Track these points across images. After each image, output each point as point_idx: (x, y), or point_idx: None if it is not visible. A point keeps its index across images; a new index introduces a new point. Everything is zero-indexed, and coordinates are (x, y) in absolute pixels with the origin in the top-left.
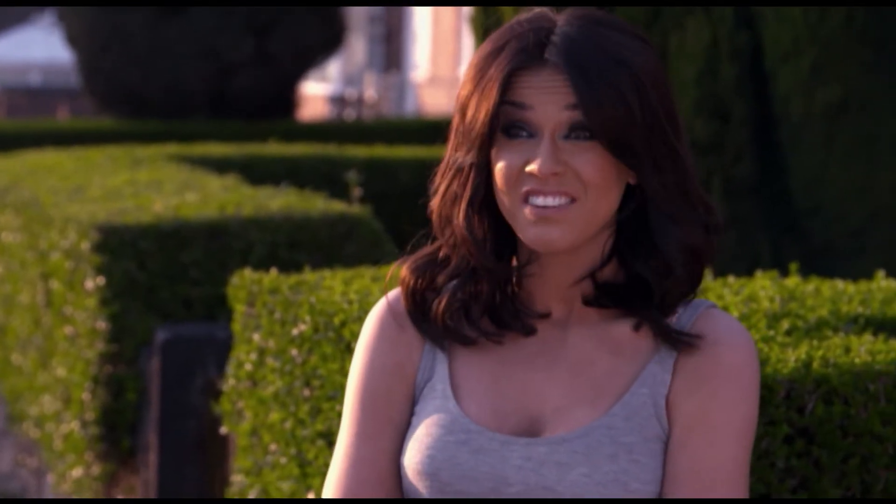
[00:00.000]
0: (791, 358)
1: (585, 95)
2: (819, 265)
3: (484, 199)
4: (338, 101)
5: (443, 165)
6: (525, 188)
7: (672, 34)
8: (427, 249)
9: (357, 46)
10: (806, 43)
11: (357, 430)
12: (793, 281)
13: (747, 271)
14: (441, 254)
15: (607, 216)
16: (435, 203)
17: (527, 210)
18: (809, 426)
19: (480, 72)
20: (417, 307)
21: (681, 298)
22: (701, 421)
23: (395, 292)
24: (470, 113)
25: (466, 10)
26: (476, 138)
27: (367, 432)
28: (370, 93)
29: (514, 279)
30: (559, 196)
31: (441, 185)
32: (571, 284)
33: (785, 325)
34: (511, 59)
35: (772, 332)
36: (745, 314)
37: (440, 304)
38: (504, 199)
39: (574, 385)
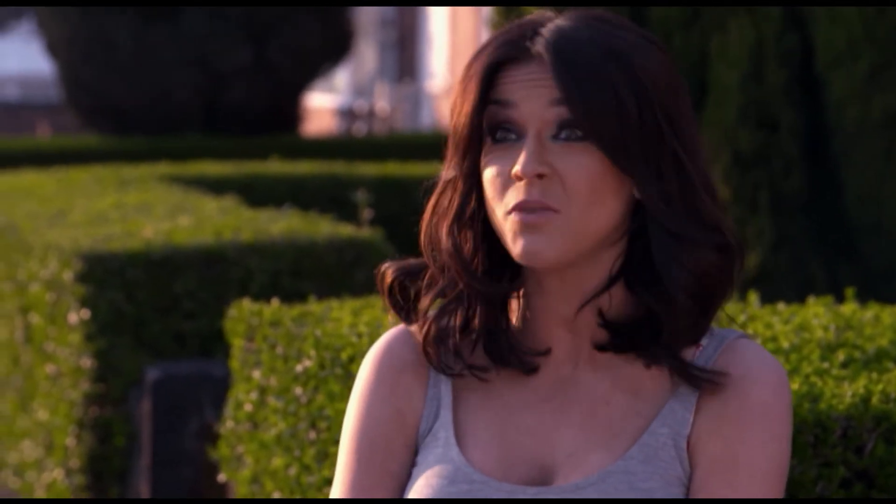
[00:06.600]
0: (847, 393)
1: (570, 87)
2: (878, 290)
3: (475, 213)
4: (346, 113)
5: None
6: (512, 199)
7: (713, 36)
8: (413, 260)
9: (367, 54)
10: (862, 44)
11: (353, 482)
12: (849, 307)
13: (799, 297)
14: (427, 277)
15: (601, 231)
16: (423, 221)
17: (511, 218)
18: (869, 468)
19: (465, 71)
20: (406, 311)
21: (693, 331)
22: (725, 464)
23: (395, 329)
24: (455, 117)
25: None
26: (460, 143)
27: (364, 485)
28: (382, 105)
29: (513, 307)
30: (541, 207)
31: (430, 200)
32: (575, 310)
33: (841, 356)
34: (493, 53)
35: (826, 365)
36: (797, 344)
37: (424, 330)
38: (494, 211)
39: (588, 427)
